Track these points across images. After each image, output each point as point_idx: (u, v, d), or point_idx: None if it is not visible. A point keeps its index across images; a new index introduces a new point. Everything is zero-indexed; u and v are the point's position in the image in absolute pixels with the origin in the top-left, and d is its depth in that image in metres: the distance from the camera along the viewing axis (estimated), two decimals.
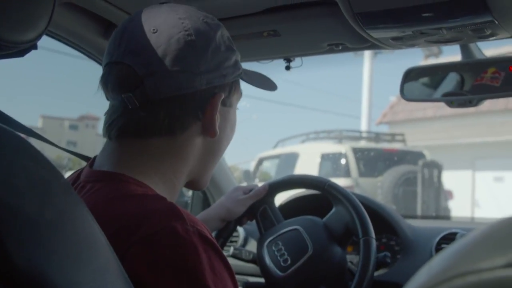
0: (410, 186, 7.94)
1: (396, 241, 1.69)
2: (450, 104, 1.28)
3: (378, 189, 7.97)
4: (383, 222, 1.67)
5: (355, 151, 8.36)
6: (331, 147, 8.92)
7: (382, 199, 7.68)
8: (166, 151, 0.89)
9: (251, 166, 10.19)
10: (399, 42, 1.18)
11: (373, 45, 1.26)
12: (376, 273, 1.39)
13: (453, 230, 1.63)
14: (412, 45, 1.22)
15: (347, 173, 8.08)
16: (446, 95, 1.30)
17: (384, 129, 15.60)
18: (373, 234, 1.34)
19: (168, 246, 0.73)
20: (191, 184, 1.00)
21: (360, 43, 1.27)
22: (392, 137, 9.49)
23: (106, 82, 0.87)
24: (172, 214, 0.77)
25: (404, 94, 1.34)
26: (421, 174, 7.90)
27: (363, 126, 13.52)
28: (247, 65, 1.38)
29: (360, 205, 1.39)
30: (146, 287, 0.71)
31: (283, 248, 1.39)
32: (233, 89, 0.95)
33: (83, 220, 0.62)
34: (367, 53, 13.28)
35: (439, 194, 8.12)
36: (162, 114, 0.86)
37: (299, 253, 1.37)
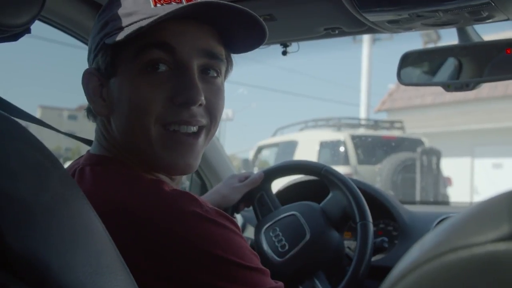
0: (409, 173, 7.96)
1: (393, 227, 1.69)
2: (447, 88, 1.28)
3: (377, 176, 7.99)
4: (381, 208, 1.67)
5: (354, 138, 8.37)
6: (330, 134, 8.90)
7: (381, 187, 7.65)
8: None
9: (250, 155, 10.19)
10: (396, 26, 1.18)
11: (370, 29, 1.25)
12: (373, 258, 1.40)
13: (451, 215, 1.63)
14: (409, 29, 1.21)
15: (346, 161, 8.09)
16: (443, 79, 1.30)
17: (383, 116, 15.66)
18: (370, 219, 1.34)
19: (197, 227, 0.77)
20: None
21: (357, 27, 1.27)
22: (391, 125, 9.47)
23: None
24: (189, 197, 0.80)
25: (401, 78, 1.34)
26: (420, 161, 7.91)
27: (362, 114, 13.53)
28: None
29: (357, 189, 1.39)
30: (185, 268, 0.75)
31: (280, 234, 1.39)
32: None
33: (78, 203, 0.62)
34: (366, 41, 13.27)
35: (438, 181, 8.13)
36: None
37: (297, 239, 1.37)
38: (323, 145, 8.60)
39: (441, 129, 12.90)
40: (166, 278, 0.75)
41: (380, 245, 1.41)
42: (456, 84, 1.26)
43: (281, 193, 1.71)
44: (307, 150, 8.34)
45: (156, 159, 0.88)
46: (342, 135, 8.48)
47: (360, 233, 1.32)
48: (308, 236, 1.35)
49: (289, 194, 1.70)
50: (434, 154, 8.08)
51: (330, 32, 1.32)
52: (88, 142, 1.14)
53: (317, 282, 1.34)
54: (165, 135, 0.87)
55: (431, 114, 13.64)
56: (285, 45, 1.45)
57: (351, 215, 1.37)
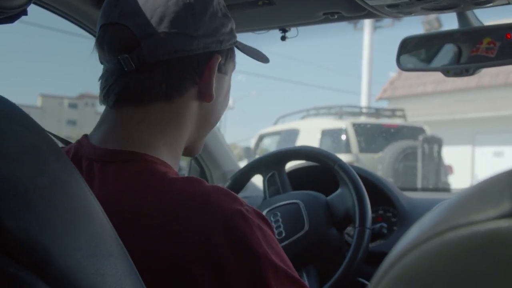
0: (410, 161, 7.97)
1: (392, 213, 1.69)
2: (447, 73, 1.27)
3: (378, 164, 7.99)
4: (380, 194, 1.67)
5: (356, 126, 8.35)
6: (331, 123, 8.88)
7: (383, 174, 7.64)
8: (166, 118, 0.88)
9: (252, 143, 10.18)
10: (395, 10, 1.17)
11: (369, 13, 1.24)
12: (372, 244, 1.40)
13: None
14: (409, 13, 1.20)
15: (347, 149, 8.08)
16: (442, 64, 1.29)
17: (384, 104, 15.68)
18: (369, 224, 1.33)
19: (243, 228, 0.75)
20: (185, 151, 0.98)
21: (356, 12, 1.26)
22: (392, 113, 9.45)
23: (102, 43, 0.86)
24: (232, 196, 0.79)
25: (400, 64, 1.33)
26: (421, 149, 7.92)
27: (363, 102, 13.51)
28: (243, 36, 1.37)
29: (365, 193, 1.36)
30: (230, 270, 0.73)
31: (280, 220, 1.39)
32: (229, 57, 0.94)
33: (76, 186, 0.62)
34: (367, 28, 13.23)
35: (439, 169, 8.16)
36: (159, 77, 0.85)
37: (295, 229, 1.36)
38: (325, 133, 8.58)
39: (442, 117, 12.90)
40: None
41: (379, 231, 1.41)
42: (455, 69, 1.25)
43: (291, 173, 1.69)
44: (309, 138, 8.32)
45: (196, 142, 0.99)
46: (344, 123, 8.46)
47: (355, 238, 1.31)
48: (306, 228, 1.35)
49: (299, 176, 1.70)
50: (436, 142, 8.09)
51: (330, 16, 1.31)
52: (65, 141, 1.09)
53: (304, 275, 1.33)
54: None
55: (432, 102, 13.63)
56: (283, 30, 1.44)
57: (353, 218, 1.36)
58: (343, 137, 8.29)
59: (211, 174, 2.03)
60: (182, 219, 0.75)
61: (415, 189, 4.84)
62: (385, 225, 1.43)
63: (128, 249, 0.66)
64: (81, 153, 0.87)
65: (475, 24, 1.26)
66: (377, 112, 9.60)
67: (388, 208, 1.71)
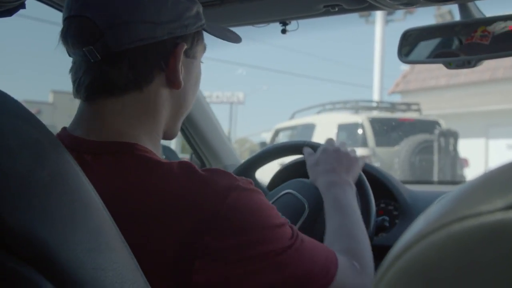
0: (426, 155, 8.10)
1: (394, 206, 1.69)
2: (448, 65, 1.27)
3: (395, 157, 8.13)
4: (382, 187, 1.67)
5: (372, 121, 8.51)
6: (347, 117, 9.03)
7: (399, 168, 7.98)
8: (141, 108, 0.88)
9: (265, 137, 10.27)
10: (397, 2, 1.16)
11: (370, 6, 1.23)
12: (374, 238, 1.39)
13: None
14: (410, 5, 1.20)
15: (364, 143, 8.23)
16: (444, 56, 1.28)
17: (397, 98, 15.76)
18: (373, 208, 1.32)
19: (249, 200, 0.81)
20: (164, 136, 0.99)
21: (357, 4, 1.25)
22: (408, 107, 9.58)
23: (66, 37, 0.86)
24: (227, 173, 0.83)
25: (402, 56, 1.32)
26: (437, 143, 8.04)
27: (375, 96, 13.61)
28: (242, 30, 1.36)
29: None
30: (240, 238, 0.78)
31: (280, 213, 1.38)
32: (195, 40, 0.94)
33: (76, 180, 0.61)
34: (379, 22, 13.25)
35: (455, 162, 8.28)
36: (126, 66, 0.85)
37: (297, 215, 1.35)
38: (341, 127, 8.73)
39: (456, 110, 12.87)
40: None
41: (381, 224, 1.41)
42: (457, 61, 1.24)
43: (271, 184, 1.69)
44: (325, 133, 8.42)
45: (172, 127, 0.98)
46: (360, 118, 8.61)
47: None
48: (307, 210, 1.33)
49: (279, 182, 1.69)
50: (452, 136, 8.21)
51: (330, 9, 1.30)
52: None
53: None
54: None
55: (445, 95, 13.61)
56: (284, 23, 1.43)
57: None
58: (360, 131, 8.44)
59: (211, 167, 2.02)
60: (188, 200, 0.78)
61: (431, 182, 4.83)
62: (387, 218, 1.42)
63: (136, 239, 0.68)
64: (64, 145, 0.86)
65: (477, 16, 1.25)
66: (392, 107, 9.71)
67: (389, 201, 1.70)
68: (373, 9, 1.27)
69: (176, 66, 0.88)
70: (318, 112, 9.76)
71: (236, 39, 1.04)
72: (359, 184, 1.33)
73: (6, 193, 0.53)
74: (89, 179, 0.77)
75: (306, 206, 1.33)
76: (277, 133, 10.09)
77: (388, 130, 8.76)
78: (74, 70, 0.88)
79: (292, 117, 10.36)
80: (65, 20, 0.87)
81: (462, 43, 1.25)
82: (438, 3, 1.17)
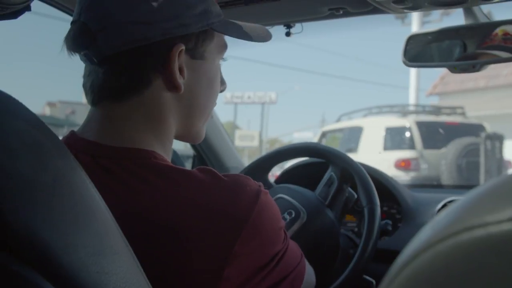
0: (472, 157, 8.21)
1: (397, 210, 1.69)
2: (453, 69, 1.26)
3: (441, 160, 8.29)
4: (384, 191, 1.67)
5: (419, 124, 8.69)
6: (395, 121, 9.24)
7: (446, 170, 8.18)
8: (145, 113, 0.85)
9: (297, 138, 10.41)
10: (401, 5, 1.16)
11: (375, 9, 1.23)
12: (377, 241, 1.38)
13: (453, 198, 1.63)
14: (415, 9, 1.19)
15: (411, 146, 8.48)
16: (448, 60, 1.28)
17: (435, 100, 15.91)
18: (377, 202, 1.32)
19: (269, 205, 0.83)
20: (186, 139, 0.98)
21: (362, 7, 1.24)
22: (452, 110, 9.71)
23: (67, 43, 0.85)
24: (248, 179, 0.83)
25: (406, 60, 1.32)
26: (483, 146, 8.14)
27: (411, 97, 13.86)
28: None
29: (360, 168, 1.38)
30: (267, 244, 0.82)
31: None
32: (201, 40, 0.88)
33: (80, 182, 0.61)
34: (415, 23, 13.30)
35: (501, 164, 8.36)
36: (121, 70, 0.83)
37: (293, 219, 1.33)
38: (389, 131, 8.93)
39: (495, 112, 12.82)
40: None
41: (384, 228, 1.40)
42: (462, 65, 1.24)
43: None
44: (373, 136, 8.81)
45: (190, 130, 0.95)
46: (408, 121, 8.82)
47: (367, 217, 1.30)
48: (303, 214, 1.31)
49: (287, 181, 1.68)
50: (498, 139, 8.30)
51: (335, 12, 1.29)
52: None
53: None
54: None
55: (484, 97, 13.54)
56: (288, 26, 1.43)
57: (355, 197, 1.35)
58: (407, 134, 8.65)
59: None
60: (219, 212, 0.78)
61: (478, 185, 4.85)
62: (390, 222, 1.42)
63: (163, 251, 0.73)
64: (75, 148, 0.84)
65: (482, 19, 1.25)
66: (437, 110, 9.89)
67: (392, 205, 1.70)
68: (378, 12, 1.26)
69: (172, 68, 0.84)
70: (365, 115, 9.97)
71: (262, 37, 0.96)
72: (364, 187, 1.33)
73: (9, 195, 0.53)
74: (110, 184, 0.77)
75: (302, 212, 1.32)
76: (324, 135, 10.32)
77: (434, 133, 8.92)
78: (83, 74, 0.88)
79: (338, 119, 10.60)
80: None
81: (467, 47, 1.24)
82: (443, 7, 1.16)
